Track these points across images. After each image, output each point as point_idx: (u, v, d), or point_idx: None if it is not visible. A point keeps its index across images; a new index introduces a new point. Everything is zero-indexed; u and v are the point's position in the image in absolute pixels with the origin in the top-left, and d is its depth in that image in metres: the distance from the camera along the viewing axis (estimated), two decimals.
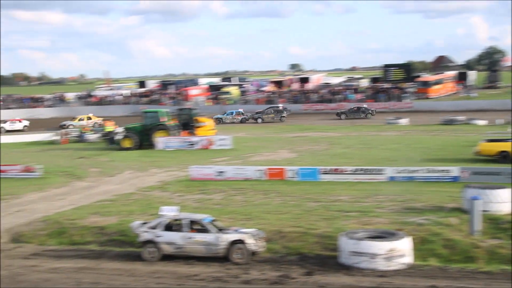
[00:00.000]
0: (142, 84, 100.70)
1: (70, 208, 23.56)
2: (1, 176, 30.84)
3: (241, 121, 61.76)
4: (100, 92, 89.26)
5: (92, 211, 22.61)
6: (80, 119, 60.51)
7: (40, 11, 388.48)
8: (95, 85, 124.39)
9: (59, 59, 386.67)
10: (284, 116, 61.41)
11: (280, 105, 66.84)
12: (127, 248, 18.81)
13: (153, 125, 42.19)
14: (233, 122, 61.43)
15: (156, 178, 29.74)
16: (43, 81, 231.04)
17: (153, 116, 43.17)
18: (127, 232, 19.28)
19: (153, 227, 17.60)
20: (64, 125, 58.92)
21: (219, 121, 59.05)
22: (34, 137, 51.08)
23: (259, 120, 61.62)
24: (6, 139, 50.63)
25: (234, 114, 62.37)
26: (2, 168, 31.74)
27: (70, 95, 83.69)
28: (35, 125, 61.77)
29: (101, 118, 60.88)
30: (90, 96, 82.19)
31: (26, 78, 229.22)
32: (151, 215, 20.73)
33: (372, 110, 61.71)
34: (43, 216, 22.31)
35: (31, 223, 21.54)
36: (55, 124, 59.99)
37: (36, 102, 79.35)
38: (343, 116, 60.96)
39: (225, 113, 63.44)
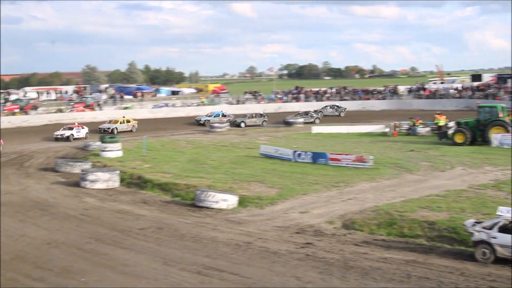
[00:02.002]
0: (476, 77, 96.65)
1: (399, 200, 23.63)
2: (336, 165, 32.51)
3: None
4: (432, 85, 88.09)
5: (421, 205, 22.39)
6: (121, 122, 56.33)
7: (375, 5, 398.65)
8: (427, 78, 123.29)
9: (391, 52, 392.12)
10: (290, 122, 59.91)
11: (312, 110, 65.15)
12: (457, 246, 18.13)
13: (489, 120, 40.15)
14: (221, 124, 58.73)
15: (490, 176, 28.17)
16: (375, 73, 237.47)
17: (490, 111, 41.02)
18: (458, 230, 18.62)
19: (488, 228, 16.62)
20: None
21: (207, 123, 59.24)
22: (366, 128, 52.80)
23: (242, 125, 58.95)
24: (337, 129, 53.27)
25: (220, 116, 60.61)
26: (337, 157, 33.38)
27: (401, 88, 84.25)
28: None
29: (136, 121, 58.28)
30: (422, 89, 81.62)
31: (359, 71, 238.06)
32: (484, 215, 19.77)
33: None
34: (373, 205, 22.78)
35: (362, 211, 22.16)
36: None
37: (368, 94, 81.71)
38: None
39: (213, 115, 61.57)
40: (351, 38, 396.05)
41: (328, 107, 69.92)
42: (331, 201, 24.28)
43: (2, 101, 68.17)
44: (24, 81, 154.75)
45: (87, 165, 33.44)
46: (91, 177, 28.84)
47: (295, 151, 35.70)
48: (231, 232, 20.33)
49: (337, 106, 70.77)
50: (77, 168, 32.69)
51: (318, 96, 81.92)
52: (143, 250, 18.15)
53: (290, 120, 60.76)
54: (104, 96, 79.36)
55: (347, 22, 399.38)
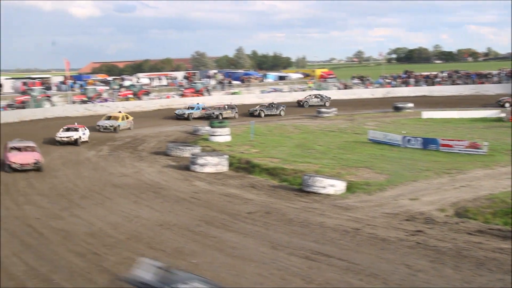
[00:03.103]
0: None
1: None
2: (448, 151, 31.48)
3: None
4: None
5: None
6: (122, 118, 48.05)
7: None
8: None
9: (507, 34, 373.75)
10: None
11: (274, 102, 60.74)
12: None
13: None
14: (200, 118, 54.09)
15: None
16: (490, 56, 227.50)
17: None
18: None
19: None
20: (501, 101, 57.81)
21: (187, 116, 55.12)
22: (480, 113, 50.80)
23: (220, 117, 53.61)
24: (448, 114, 51.40)
25: (200, 109, 56.26)
26: (449, 143, 32.32)
27: None
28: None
29: (132, 117, 49.24)
30: None
31: (472, 54, 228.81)
32: None
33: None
34: (488, 193, 21.92)
35: (476, 199, 21.36)
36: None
37: (482, 78, 78.38)
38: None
39: (194, 107, 56.80)
40: (463, 19, 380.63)
41: (313, 97, 67.38)
42: (443, 188, 23.54)
43: (117, 86, 71.07)
44: (137, 68, 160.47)
45: (196, 150, 34.21)
46: (200, 161, 29.48)
47: (404, 137, 34.88)
48: (339, 218, 20.16)
49: (321, 95, 68.09)
50: (187, 152, 33.52)
51: (429, 80, 79.50)
52: (251, 234, 18.35)
53: (399, 105, 59.33)
54: (212, 82, 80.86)
55: (459, 3, 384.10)
